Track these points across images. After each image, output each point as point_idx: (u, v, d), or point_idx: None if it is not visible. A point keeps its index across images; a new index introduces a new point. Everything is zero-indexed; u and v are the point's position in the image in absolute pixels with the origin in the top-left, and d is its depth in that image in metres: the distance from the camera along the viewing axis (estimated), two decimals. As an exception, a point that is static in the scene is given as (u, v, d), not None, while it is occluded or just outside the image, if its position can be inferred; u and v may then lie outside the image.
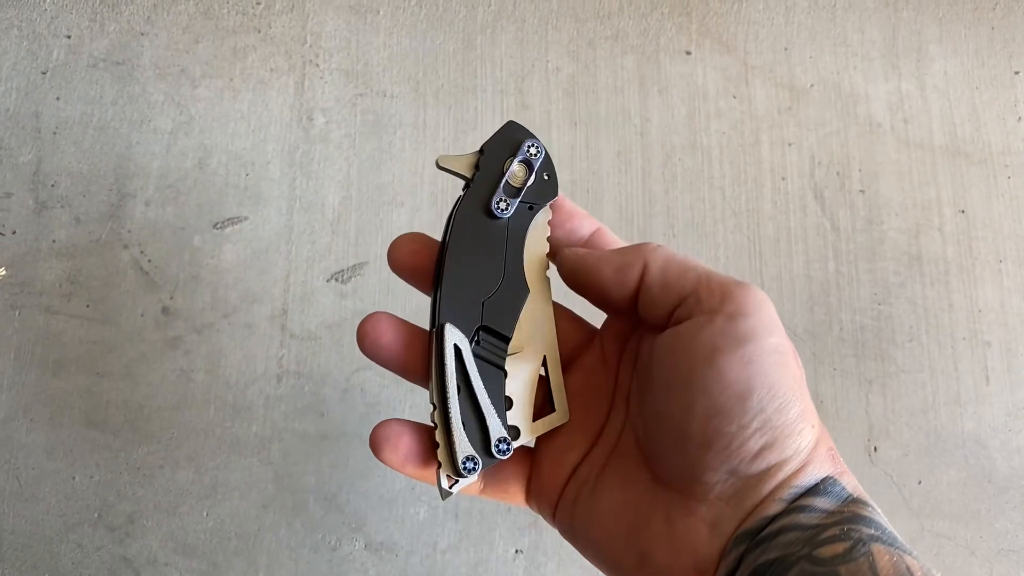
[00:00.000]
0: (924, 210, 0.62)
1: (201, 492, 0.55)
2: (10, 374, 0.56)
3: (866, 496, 0.26)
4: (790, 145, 0.63)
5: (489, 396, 0.30)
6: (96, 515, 0.55)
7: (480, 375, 0.30)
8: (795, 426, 0.25)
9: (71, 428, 0.56)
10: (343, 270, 0.59)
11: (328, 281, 0.59)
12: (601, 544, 0.28)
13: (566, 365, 0.33)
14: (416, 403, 0.57)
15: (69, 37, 0.62)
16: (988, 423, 0.58)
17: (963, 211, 0.62)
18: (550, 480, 0.31)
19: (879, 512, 0.26)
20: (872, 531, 0.24)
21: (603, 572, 0.29)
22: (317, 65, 0.63)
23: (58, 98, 0.61)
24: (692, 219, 0.61)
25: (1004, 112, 0.65)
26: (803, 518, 0.25)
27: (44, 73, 0.62)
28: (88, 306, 0.58)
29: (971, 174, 0.63)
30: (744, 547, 0.25)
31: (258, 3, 0.64)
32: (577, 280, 0.30)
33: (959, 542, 0.57)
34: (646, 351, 0.29)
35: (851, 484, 0.26)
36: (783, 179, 0.63)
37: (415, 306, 0.59)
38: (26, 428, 0.55)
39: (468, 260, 0.31)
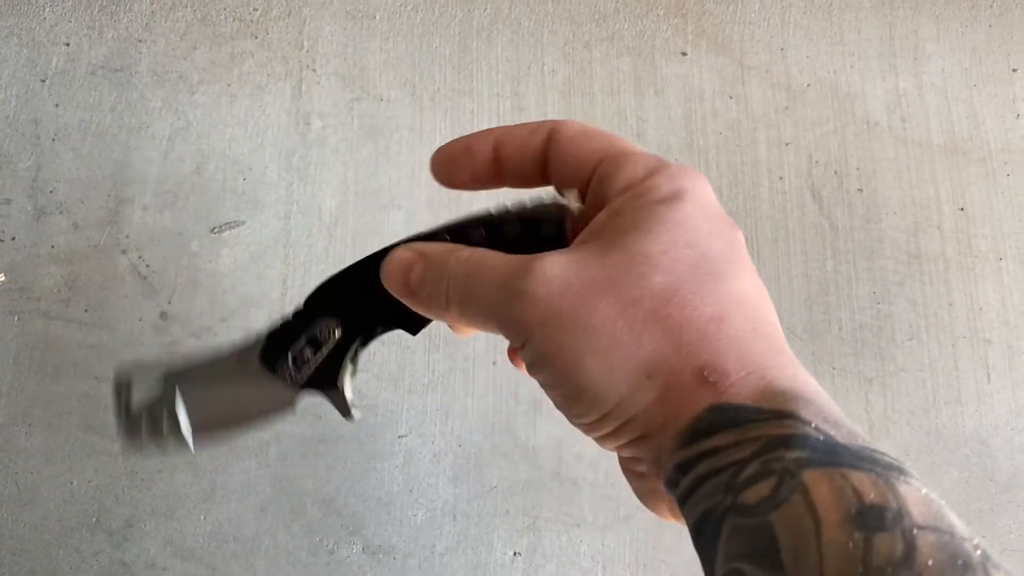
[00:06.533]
0: (923, 208, 0.62)
1: (199, 496, 0.55)
2: (9, 379, 0.56)
3: (785, 388, 0.20)
4: (787, 145, 0.63)
5: None
6: (94, 520, 0.55)
7: None
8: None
9: (69, 433, 0.56)
10: (340, 273, 0.59)
11: (325, 284, 0.59)
12: None
13: None
14: (413, 405, 0.57)
15: (68, 45, 0.63)
16: (990, 422, 0.58)
17: (962, 209, 0.62)
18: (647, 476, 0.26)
19: (815, 404, 0.20)
20: (799, 453, 0.18)
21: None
22: (314, 70, 0.63)
23: (57, 105, 0.62)
24: (689, 219, 0.61)
25: (1002, 109, 0.65)
26: (711, 462, 0.20)
27: (43, 81, 0.62)
28: (86, 311, 0.58)
29: (970, 172, 0.63)
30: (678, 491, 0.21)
31: (255, 9, 0.65)
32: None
33: (962, 542, 0.56)
34: None
35: (746, 392, 0.20)
36: (780, 179, 0.62)
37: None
38: (25, 433, 0.56)
39: None
